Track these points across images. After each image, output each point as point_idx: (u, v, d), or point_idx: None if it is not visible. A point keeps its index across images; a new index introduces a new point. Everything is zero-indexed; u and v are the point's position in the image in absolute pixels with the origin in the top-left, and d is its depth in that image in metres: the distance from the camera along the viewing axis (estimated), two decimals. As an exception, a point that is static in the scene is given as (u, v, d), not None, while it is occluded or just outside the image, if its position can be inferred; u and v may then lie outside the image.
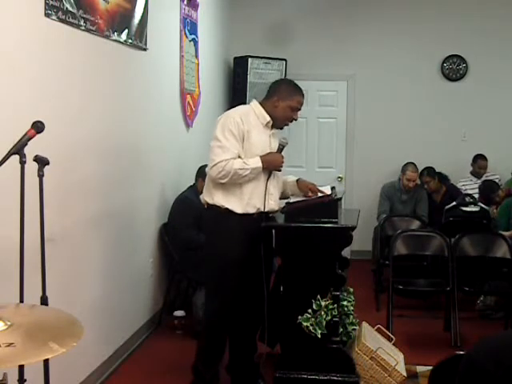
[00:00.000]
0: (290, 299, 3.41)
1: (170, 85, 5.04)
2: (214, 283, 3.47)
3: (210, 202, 3.37)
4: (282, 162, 3.40)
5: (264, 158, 3.32)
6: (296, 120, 3.49)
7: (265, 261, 3.37)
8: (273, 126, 3.45)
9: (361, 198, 7.00)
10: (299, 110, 3.46)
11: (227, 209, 3.32)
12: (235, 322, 3.55)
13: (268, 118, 3.40)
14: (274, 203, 3.44)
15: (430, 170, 6.50)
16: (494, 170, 6.78)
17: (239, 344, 3.61)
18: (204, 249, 3.61)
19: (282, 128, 3.52)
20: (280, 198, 3.64)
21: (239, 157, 3.28)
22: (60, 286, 3.03)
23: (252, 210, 3.35)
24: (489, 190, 5.87)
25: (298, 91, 3.46)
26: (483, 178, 6.59)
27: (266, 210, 3.36)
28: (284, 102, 3.39)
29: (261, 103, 3.45)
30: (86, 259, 3.53)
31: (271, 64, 6.86)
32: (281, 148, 3.42)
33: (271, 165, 3.36)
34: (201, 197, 3.52)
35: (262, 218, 3.36)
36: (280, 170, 3.45)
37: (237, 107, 3.56)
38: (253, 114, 3.40)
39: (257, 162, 3.29)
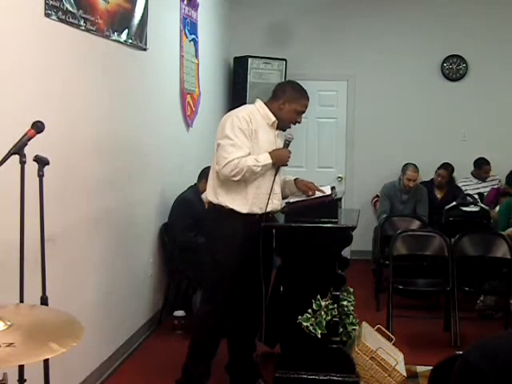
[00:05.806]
0: (290, 299, 3.41)
1: (170, 85, 5.04)
2: (212, 285, 3.46)
3: (215, 201, 3.36)
4: (289, 157, 3.41)
5: (272, 154, 3.33)
6: (300, 123, 3.51)
7: (264, 260, 3.36)
8: (277, 127, 3.46)
9: (361, 198, 7.00)
10: (304, 112, 3.48)
11: (231, 209, 3.32)
12: (234, 323, 3.55)
13: (273, 118, 3.41)
14: (277, 202, 3.44)
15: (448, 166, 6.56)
16: (494, 170, 6.76)
17: (238, 344, 3.61)
18: (204, 249, 3.58)
19: (284, 130, 3.53)
20: None
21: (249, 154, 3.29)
22: (60, 286, 3.02)
23: (257, 210, 3.34)
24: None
25: (304, 95, 3.47)
26: (489, 179, 6.63)
27: (269, 209, 3.36)
28: (290, 105, 3.40)
29: (266, 104, 3.45)
30: (86, 259, 3.53)
31: (271, 64, 6.86)
32: (287, 143, 3.43)
33: (279, 160, 3.36)
34: (203, 196, 3.50)
35: (264, 218, 3.34)
36: (287, 165, 3.46)
37: (242, 107, 3.55)
38: (258, 113, 3.40)
39: (267, 159, 3.30)
